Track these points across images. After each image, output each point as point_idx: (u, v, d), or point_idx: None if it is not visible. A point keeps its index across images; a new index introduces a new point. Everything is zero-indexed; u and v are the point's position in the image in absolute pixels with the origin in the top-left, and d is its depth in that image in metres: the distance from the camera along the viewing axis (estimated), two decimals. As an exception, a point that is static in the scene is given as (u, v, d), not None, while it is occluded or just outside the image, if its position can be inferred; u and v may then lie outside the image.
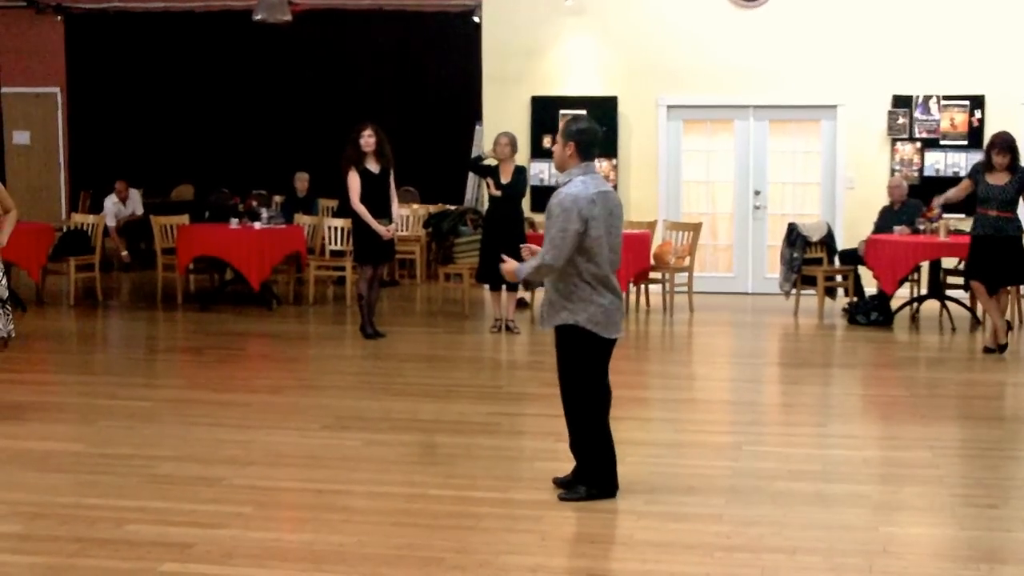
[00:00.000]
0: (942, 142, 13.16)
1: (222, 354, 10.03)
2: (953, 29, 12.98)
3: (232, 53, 17.25)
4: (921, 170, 13.16)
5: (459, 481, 6.00)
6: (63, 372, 9.38)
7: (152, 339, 11.08)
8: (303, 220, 13.21)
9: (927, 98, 13.12)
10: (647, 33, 13.50)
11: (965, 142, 13.06)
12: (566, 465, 5.85)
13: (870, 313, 11.21)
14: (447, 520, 5.36)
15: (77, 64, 17.96)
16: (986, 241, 9.65)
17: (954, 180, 11.69)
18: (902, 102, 13.17)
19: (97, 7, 17.54)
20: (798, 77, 13.33)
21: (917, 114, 13.15)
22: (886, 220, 11.87)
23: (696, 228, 12.31)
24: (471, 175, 14.95)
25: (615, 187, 13.38)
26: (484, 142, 13.37)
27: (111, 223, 15.06)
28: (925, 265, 11.50)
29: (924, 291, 11.75)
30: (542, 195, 12.47)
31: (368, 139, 10.13)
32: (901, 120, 13.18)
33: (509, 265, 5.81)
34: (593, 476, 5.64)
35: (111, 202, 15.49)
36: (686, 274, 12.18)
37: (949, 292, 11.52)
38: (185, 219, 13.12)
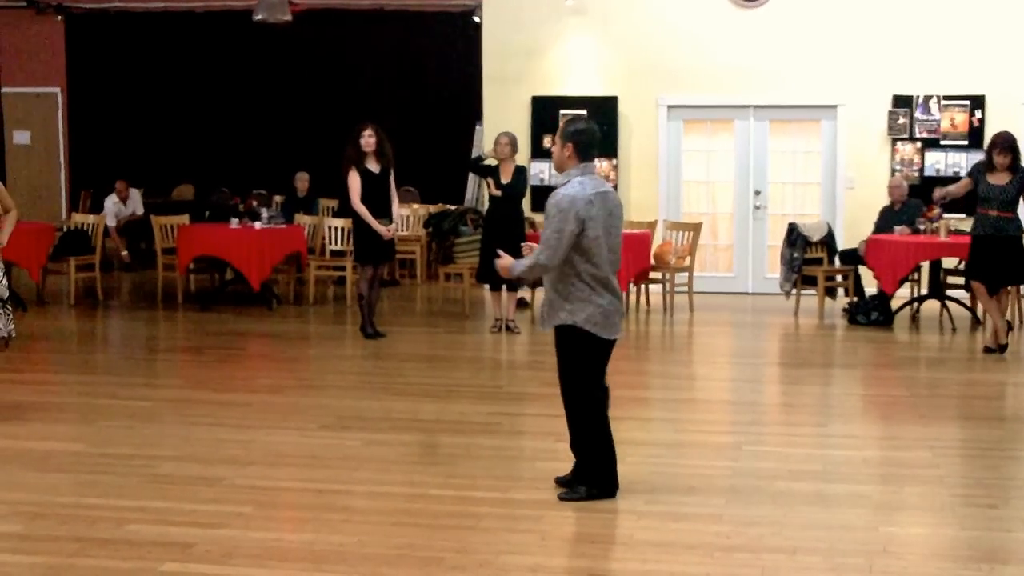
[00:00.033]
0: (942, 142, 13.16)
1: (222, 354, 10.03)
2: (953, 29, 12.98)
3: (232, 53, 17.25)
4: (921, 170, 13.16)
5: (459, 481, 6.00)
6: (63, 372, 9.38)
7: (152, 339, 11.08)
8: (303, 220, 13.22)
9: (927, 98, 13.12)
10: (647, 33, 13.50)
11: (965, 142, 13.06)
12: (566, 465, 5.86)
13: (870, 313, 11.21)
14: (447, 520, 5.36)
15: (77, 64, 17.97)
16: (986, 241, 9.65)
17: (954, 180, 11.64)
18: (902, 102, 13.17)
19: (97, 7, 17.54)
20: (798, 77, 13.33)
21: (917, 114, 13.15)
22: (886, 220, 11.87)
23: (696, 228, 12.31)
24: (471, 175, 14.95)
25: (615, 187, 13.39)
26: (484, 142, 13.37)
27: (111, 223, 15.07)
28: (925, 265, 11.50)
29: (924, 291, 11.75)
30: (542, 195, 12.47)
31: (368, 139, 10.13)
32: (901, 120, 13.18)
33: (504, 261, 5.83)
34: (593, 476, 5.64)
35: (111, 202, 15.49)
36: (686, 274, 12.18)
37: (949, 292, 11.52)
38: (185, 219, 13.12)
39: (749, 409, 8.07)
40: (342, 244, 12.75)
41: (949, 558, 5.00)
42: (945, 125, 13.12)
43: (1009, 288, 10.21)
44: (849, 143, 13.35)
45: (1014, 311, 11.03)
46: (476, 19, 14.57)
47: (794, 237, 11.81)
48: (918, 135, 13.18)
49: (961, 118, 13.10)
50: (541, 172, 13.55)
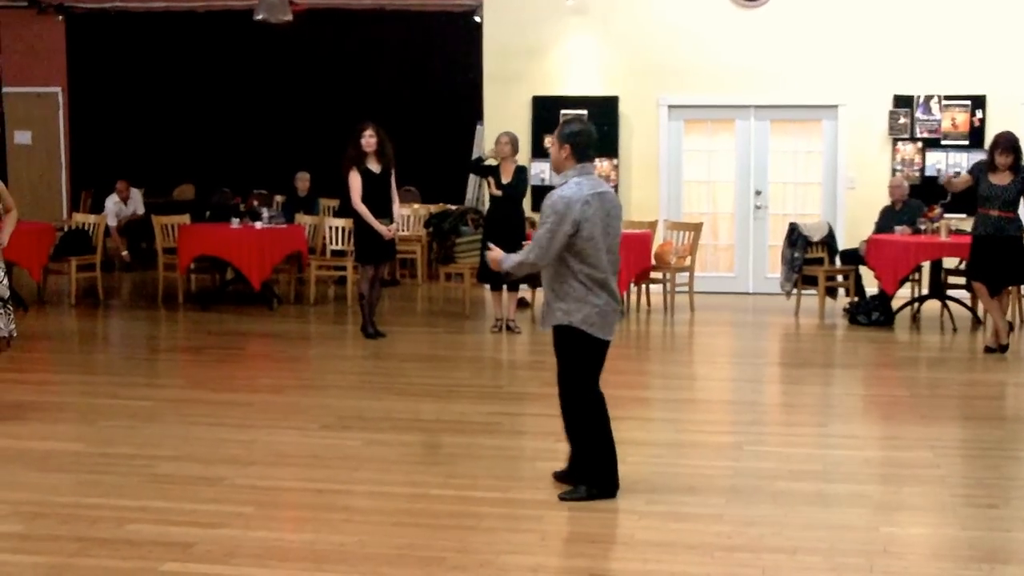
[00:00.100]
0: (943, 142, 13.15)
1: (223, 354, 10.04)
2: (954, 29, 12.97)
3: (233, 53, 17.25)
4: (922, 170, 13.15)
5: (460, 481, 6.00)
6: (64, 372, 9.39)
7: (153, 339, 11.09)
8: (304, 220, 13.22)
9: (928, 98, 13.12)
10: (648, 33, 13.50)
11: (966, 142, 13.06)
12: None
13: (871, 313, 11.21)
14: (448, 520, 5.36)
15: (78, 64, 17.97)
16: (987, 241, 9.65)
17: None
18: (903, 102, 13.17)
19: (98, 7, 17.54)
20: (799, 77, 13.33)
21: (918, 114, 13.15)
22: (887, 220, 11.87)
23: (697, 228, 12.31)
24: (472, 175, 14.95)
25: (616, 187, 13.40)
26: (485, 142, 13.36)
27: (112, 223, 15.07)
28: (926, 265, 11.50)
29: (925, 291, 11.74)
30: (543, 195, 12.29)
31: (369, 139, 10.14)
32: (902, 120, 13.18)
33: (495, 253, 5.88)
34: (594, 476, 5.64)
35: (112, 202, 15.49)
36: (687, 274, 12.18)
37: (950, 292, 11.52)
38: (186, 219, 13.12)
39: (750, 409, 8.07)
40: (343, 244, 12.75)
41: (950, 558, 5.00)
42: (946, 125, 13.12)
43: (1010, 288, 10.21)
44: (850, 143, 13.34)
45: (1014, 311, 11.03)
46: (477, 19, 14.56)
47: (795, 237, 11.81)
48: (919, 135, 13.17)
49: (962, 118, 13.09)
50: (542, 172, 13.54)
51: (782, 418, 7.85)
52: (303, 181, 14.32)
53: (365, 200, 10.09)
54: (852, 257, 12.00)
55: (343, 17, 16.89)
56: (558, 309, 5.58)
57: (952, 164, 12.99)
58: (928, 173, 13.06)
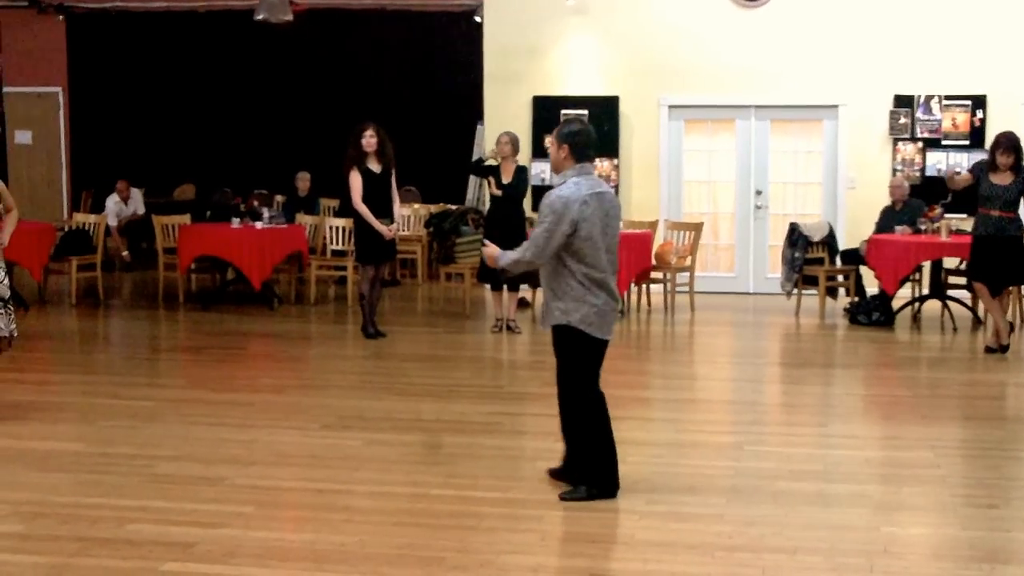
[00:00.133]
0: (944, 142, 13.15)
1: (223, 354, 10.04)
2: (955, 29, 12.97)
3: (234, 53, 17.26)
4: (923, 170, 13.15)
5: (460, 481, 6.00)
6: (65, 371, 9.39)
7: (154, 339, 11.09)
8: (304, 220, 13.21)
9: (929, 98, 13.12)
10: (649, 33, 13.49)
11: (967, 142, 13.06)
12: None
13: (871, 313, 11.21)
14: (448, 520, 5.36)
15: (79, 64, 17.98)
16: (988, 241, 9.65)
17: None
18: (904, 102, 13.16)
19: (99, 7, 17.55)
20: (800, 77, 13.32)
21: (919, 114, 13.14)
22: (887, 220, 11.86)
23: (697, 228, 12.31)
24: (472, 176, 14.96)
25: (616, 187, 13.41)
26: (485, 142, 13.37)
27: (113, 223, 15.07)
28: (927, 265, 11.50)
29: (925, 291, 11.74)
30: (543, 195, 12.42)
31: (369, 139, 10.14)
32: (903, 120, 13.18)
33: (491, 250, 5.90)
34: (594, 476, 5.64)
35: (113, 201, 15.50)
36: (687, 274, 12.18)
37: (950, 292, 11.51)
38: (187, 219, 13.12)
39: (750, 409, 8.07)
40: (343, 244, 12.75)
41: (950, 558, 5.00)
42: (946, 125, 13.12)
43: (1010, 288, 10.21)
44: (850, 143, 13.34)
45: (1015, 311, 11.02)
46: (477, 19, 14.57)
47: (795, 237, 11.81)
48: (919, 135, 13.17)
49: (962, 118, 13.09)
50: (542, 172, 13.54)
51: (783, 418, 7.85)
52: (303, 181, 14.32)
53: (366, 200, 10.10)
54: (852, 257, 12.00)
55: (344, 17, 16.89)
56: (556, 308, 5.59)
57: (953, 164, 12.98)
58: (928, 173, 13.07)
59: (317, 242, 13.16)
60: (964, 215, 11.41)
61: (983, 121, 12.99)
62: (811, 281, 11.86)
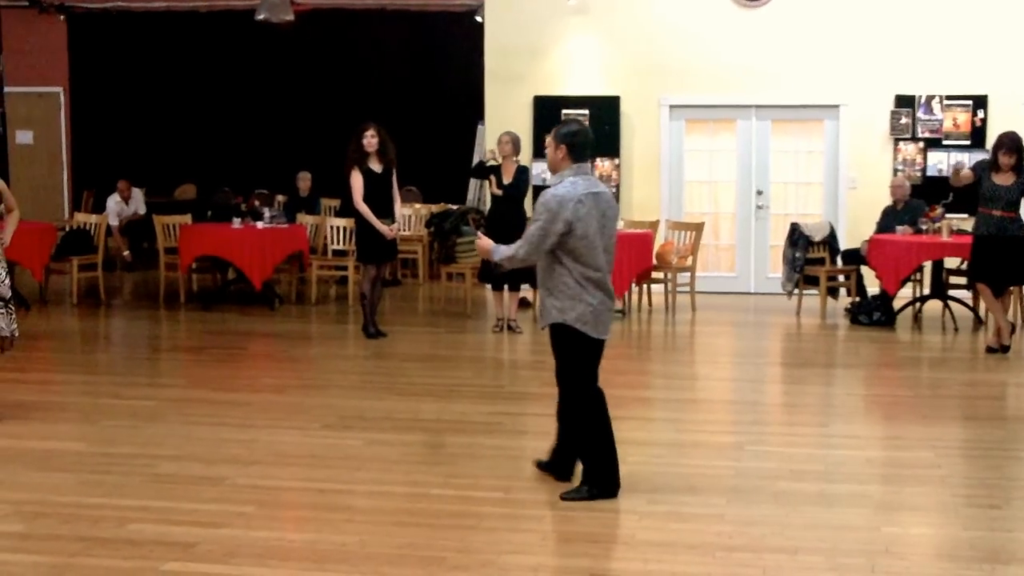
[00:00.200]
0: (945, 142, 13.14)
1: (224, 354, 10.04)
2: (956, 29, 12.96)
3: (234, 53, 17.27)
4: (924, 170, 13.14)
5: (461, 481, 6.00)
6: (66, 371, 9.39)
7: (155, 338, 11.09)
8: (305, 220, 13.22)
9: (930, 98, 13.11)
10: (650, 33, 13.49)
11: (968, 142, 13.05)
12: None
13: (872, 313, 11.20)
14: (449, 520, 5.36)
15: (80, 64, 17.99)
16: (989, 241, 9.65)
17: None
18: (905, 102, 13.16)
19: (100, 7, 17.56)
20: (800, 77, 13.32)
21: (920, 114, 13.14)
22: (888, 220, 11.86)
23: (698, 228, 12.31)
24: (473, 179, 15.00)
25: (617, 187, 13.41)
26: (486, 142, 13.37)
27: (114, 222, 15.08)
28: (927, 265, 11.49)
29: (927, 291, 11.74)
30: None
31: (371, 139, 10.15)
32: (904, 120, 13.17)
33: (485, 243, 5.92)
34: (594, 476, 5.64)
35: (114, 201, 15.50)
36: (688, 274, 12.18)
37: (952, 292, 11.51)
38: (188, 218, 13.12)
39: (751, 409, 8.07)
40: (344, 244, 12.76)
41: (951, 558, 5.00)
42: (947, 125, 13.11)
43: (1011, 288, 10.21)
44: (851, 143, 13.33)
45: (1015, 311, 11.02)
46: (478, 19, 14.56)
47: (796, 237, 11.81)
48: (920, 135, 13.16)
49: (963, 118, 13.09)
50: (543, 172, 13.53)
51: (783, 418, 7.85)
52: (304, 181, 14.32)
53: (367, 200, 10.10)
54: (853, 257, 12.00)
55: (345, 17, 16.90)
56: (553, 307, 5.61)
57: (954, 164, 12.97)
58: (930, 173, 13.07)
59: (318, 242, 13.16)
60: (965, 215, 11.41)
61: (984, 121, 12.99)
62: (812, 281, 11.86)
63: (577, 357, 5.63)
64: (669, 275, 12.03)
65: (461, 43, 15.97)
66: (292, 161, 15.10)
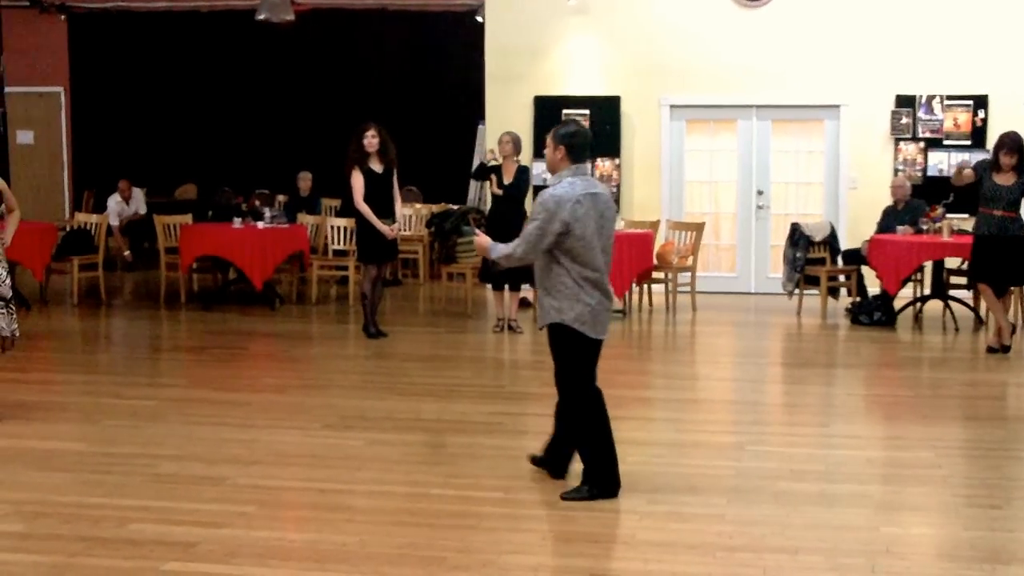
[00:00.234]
0: (945, 142, 13.14)
1: (225, 353, 10.04)
2: (957, 29, 12.96)
3: (235, 53, 17.28)
4: (924, 170, 13.14)
5: (461, 481, 6.00)
6: (67, 371, 9.40)
7: (155, 338, 11.10)
8: (306, 219, 13.22)
9: (930, 98, 13.11)
10: (650, 33, 13.49)
11: (968, 142, 13.05)
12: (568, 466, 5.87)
13: (873, 313, 11.20)
14: (449, 519, 5.36)
15: (81, 63, 18.00)
16: (990, 241, 9.65)
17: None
18: (905, 102, 13.16)
19: (100, 7, 17.57)
20: (801, 77, 13.32)
21: (920, 114, 13.13)
22: (889, 220, 11.86)
23: (699, 228, 12.31)
24: (473, 181, 15.00)
25: (618, 187, 13.41)
26: (486, 142, 13.37)
27: (114, 222, 15.09)
28: (928, 265, 11.49)
29: (927, 291, 11.74)
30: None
31: (371, 139, 10.15)
32: (904, 120, 13.17)
33: (483, 240, 5.95)
34: (595, 476, 5.64)
35: (114, 201, 15.51)
36: (689, 274, 12.18)
37: (952, 292, 11.51)
38: (188, 218, 13.12)
39: (751, 409, 8.07)
40: (345, 244, 12.76)
41: (952, 558, 5.00)
42: (948, 125, 13.11)
43: (1012, 288, 10.21)
44: (852, 143, 13.33)
45: (1016, 311, 11.02)
46: (478, 19, 14.57)
47: (797, 237, 11.81)
48: (921, 135, 13.16)
49: (964, 118, 13.08)
50: (543, 172, 13.52)
51: (784, 418, 7.85)
52: (305, 181, 14.33)
53: (367, 200, 10.11)
54: (854, 257, 12.00)
55: (345, 17, 16.91)
56: (551, 307, 5.62)
57: (954, 164, 12.96)
58: (930, 173, 13.06)
59: (319, 242, 13.17)
60: (966, 215, 11.41)
61: (985, 121, 12.98)
62: (813, 281, 11.86)
63: (575, 357, 5.64)
64: (670, 275, 12.04)
65: (461, 43, 15.98)
66: (293, 161, 15.11)
